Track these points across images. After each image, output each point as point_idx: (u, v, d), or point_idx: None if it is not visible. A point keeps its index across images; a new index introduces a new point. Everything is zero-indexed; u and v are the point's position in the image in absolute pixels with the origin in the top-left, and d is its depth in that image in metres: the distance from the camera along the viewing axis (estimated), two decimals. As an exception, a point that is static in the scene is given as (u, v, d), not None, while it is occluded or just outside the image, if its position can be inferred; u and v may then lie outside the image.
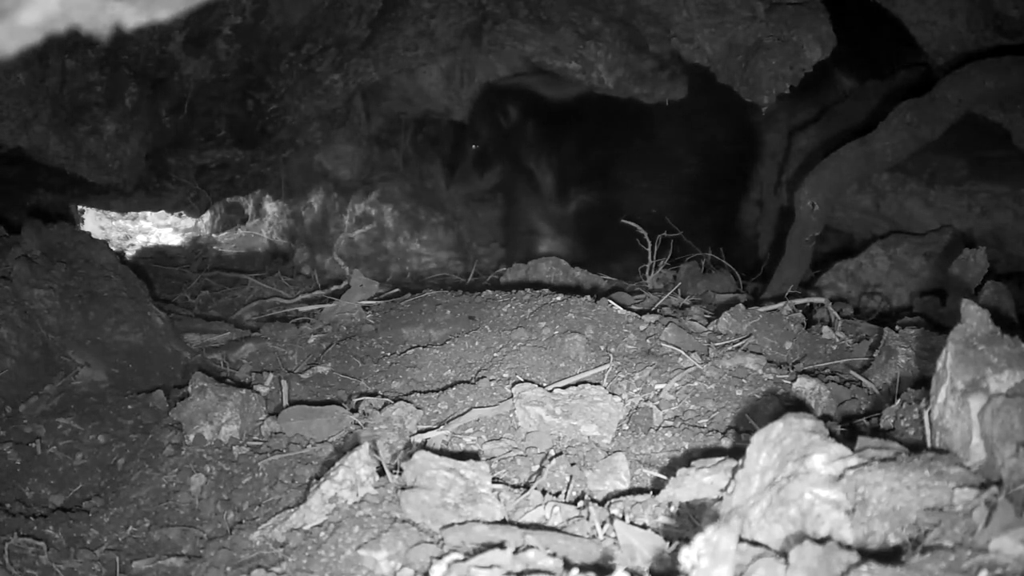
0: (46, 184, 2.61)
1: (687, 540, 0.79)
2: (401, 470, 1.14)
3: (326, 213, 3.45)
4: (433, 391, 1.55)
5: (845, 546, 0.80)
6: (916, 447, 0.97)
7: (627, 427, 1.38)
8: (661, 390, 1.46)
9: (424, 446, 1.29)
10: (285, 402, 1.57)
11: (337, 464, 1.17)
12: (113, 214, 3.55)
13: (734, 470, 0.98)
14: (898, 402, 1.21)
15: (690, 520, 1.06)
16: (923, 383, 1.27)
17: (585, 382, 1.46)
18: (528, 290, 1.85)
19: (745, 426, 1.33)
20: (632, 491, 1.19)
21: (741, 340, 1.63)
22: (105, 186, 2.48)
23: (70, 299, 1.76)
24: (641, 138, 2.93)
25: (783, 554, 0.81)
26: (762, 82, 2.33)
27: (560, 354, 1.57)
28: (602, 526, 1.07)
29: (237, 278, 2.55)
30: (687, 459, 1.20)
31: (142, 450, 1.51)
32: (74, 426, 1.57)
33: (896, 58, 2.71)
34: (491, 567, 0.89)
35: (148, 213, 3.61)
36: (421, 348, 1.71)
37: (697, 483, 1.07)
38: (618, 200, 2.82)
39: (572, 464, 1.25)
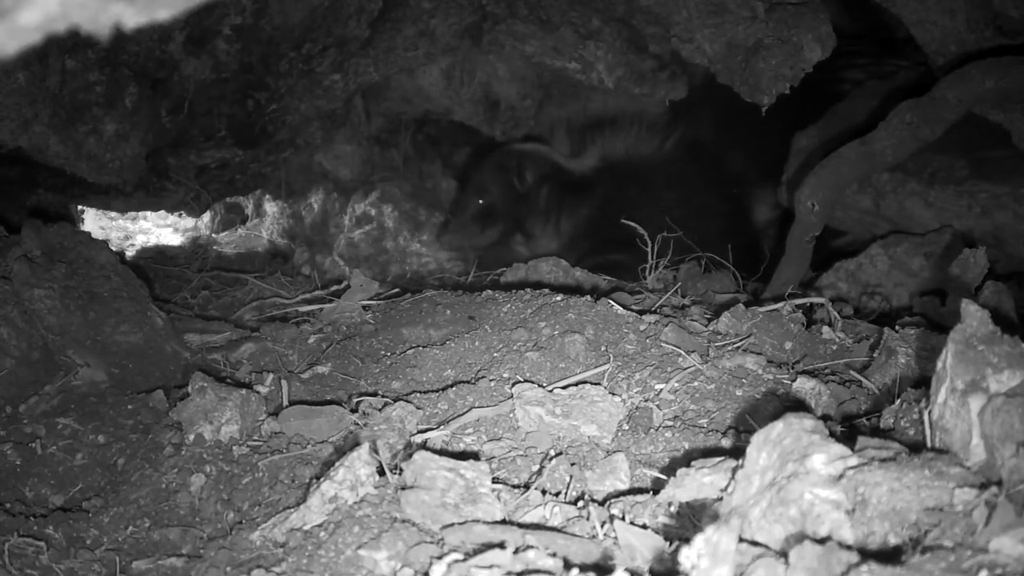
0: (46, 184, 2.61)
1: (687, 540, 0.79)
2: (401, 470, 1.14)
3: (326, 213, 3.45)
4: (433, 391, 1.55)
5: (845, 546, 0.80)
6: (916, 447, 0.97)
7: (627, 427, 1.38)
8: (661, 390, 1.46)
9: (424, 446, 1.29)
10: (285, 402, 1.57)
11: (337, 464, 1.17)
12: (113, 214, 3.55)
13: (734, 470, 0.98)
14: (898, 402, 1.21)
15: (690, 520, 1.06)
16: (923, 383, 1.27)
17: (585, 382, 1.46)
18: (528, 290, 1.85)
19: (745, 426, 1.33)
20: (632, 491, 1.19)
21: (741, 340, 1.63)
22: (105, 186, 2.48)
23: (70, 299, 1.76)
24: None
25: (783, 554, 0.81)
26: (762, 82, 2.33)
27: (560, 354, 1.57)
28: (602, 526, 1.07)
29: (237, 278, 2.55)
30: (687, 459, 1.20)
31: (142, 450, 1.51)
32: (74, 426, 1.57)
33: None
34: (491, 567, 0.89)
35: (148, 213, 3.60)
36: (421, 348, 1.71)
37: (697, 483, 1.07)
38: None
39: (572, 464, 1.25)
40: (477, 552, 0.94)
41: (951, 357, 0.97)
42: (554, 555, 0.93)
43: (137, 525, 1.34)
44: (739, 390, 1.44)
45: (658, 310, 1.82)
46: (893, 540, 0.84)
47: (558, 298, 1.76)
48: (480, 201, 3.05)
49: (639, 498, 1.14)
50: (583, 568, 0.89)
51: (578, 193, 3.00)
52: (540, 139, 3.25)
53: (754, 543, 0.86)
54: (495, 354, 1.62)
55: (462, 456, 1.16)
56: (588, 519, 1.10)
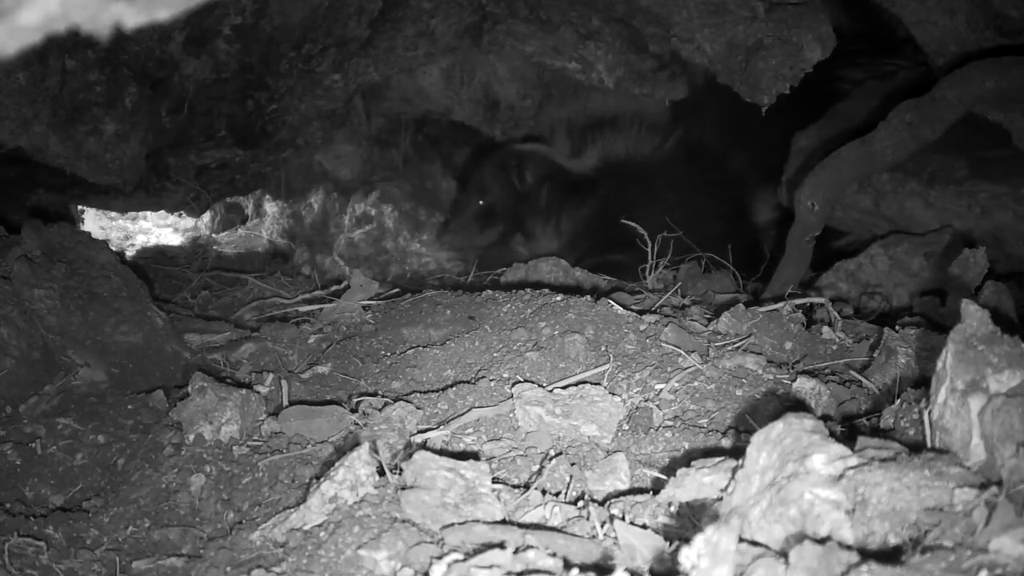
0: (46, 184, 2.61)
1: (687, 540, 0.79)
2: (401, 470, 1.14)
3: (326, 213, 3.45)
4: (433, 391, 1.55)
5: (845, 546, 0.80)
6: (916, 447, 0.97)
7: (627, 427, 1.38)
8: (661, 390, 1.46)
9: (424, 446, 1.29)
10: (285, 402, 1.57)
11: (337, 464, 1.17)
12: (113, 214, 3.55)
13: (734, 470, 0.98)
14: (898, 402, 1.21)
15: (690, 520, 1.06)
16: (923, 383, 1.27)
17: (585, 382, 1.46)
18: (528, 290, 1.85)
19: (745, 426, 1.33)
20: (632, 491, 1.19)
21: (741, 340, 1.63)
22: (105, 186, 2.48)
23: (70, 299, 1.76)
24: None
25: (783, 554, 0.81)
26: (762, 82, 2.33)
27: (560, 354, 1.57)
28: (602, 526, 1.07)
29: (237, 278, 2.55)
30: (687, 459, 1.20)
31: (142, 450, 1.51)
32: (74, 426, 1.57)
33: None
34: (491, 567, 0.89)
35: (148, 213, 3.60)
36: (421, 348, 1.71)
37: (697, 483, 1.07)
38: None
39: (572, 464, 1.25)
40: (477, 552, 0.94)
41: (951, 357, 0.97)
42: (554, 555, 0.93)
43: (137, 525, 1.34)
44: (739, 390, 1.44)
45: (658, 310, 1.82)
46: (893, 540, 0.84)
47: (558, 298, 1.76)
48: (480, 201, 3.05)
49: (639, 498, 1.14)
50: (583, 568, 0.89)
51: (578, 193, 3.00)
52: (540, 139, 3.25)
53: (754, 543, 0.86)
54: (495, 354, 1.62)
55: (462, 456, 1.16)
56: (588, 519, 1.10)
